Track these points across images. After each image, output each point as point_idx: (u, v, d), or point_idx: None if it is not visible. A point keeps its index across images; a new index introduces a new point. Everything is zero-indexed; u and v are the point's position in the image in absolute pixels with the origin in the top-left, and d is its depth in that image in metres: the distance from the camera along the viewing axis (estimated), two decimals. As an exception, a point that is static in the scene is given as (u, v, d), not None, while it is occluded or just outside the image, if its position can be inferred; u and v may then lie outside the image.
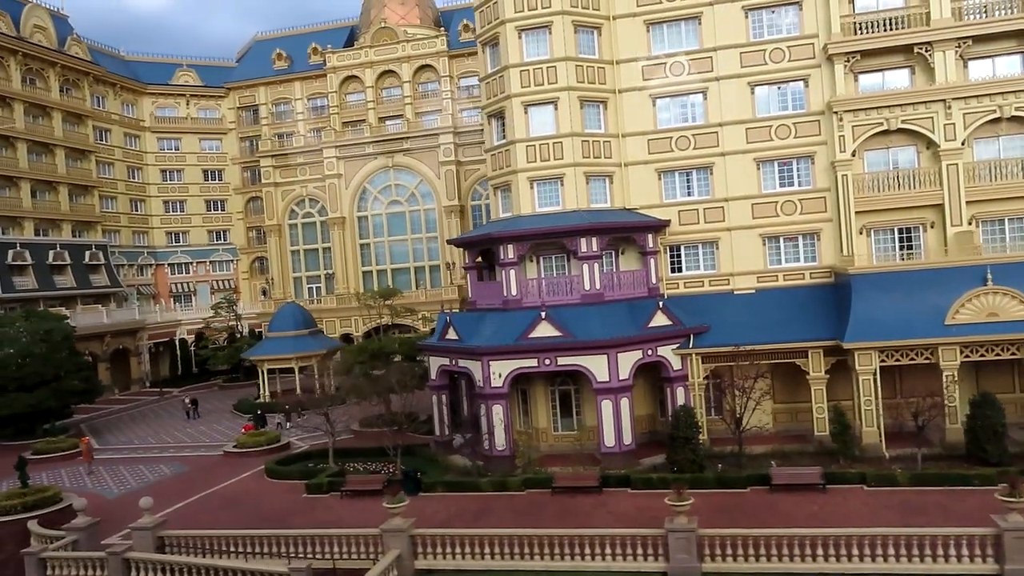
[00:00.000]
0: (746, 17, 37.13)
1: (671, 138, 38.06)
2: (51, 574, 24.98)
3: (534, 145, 37.18)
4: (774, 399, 35.87)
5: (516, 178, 37.44)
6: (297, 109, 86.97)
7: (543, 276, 37.20)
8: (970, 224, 34.65)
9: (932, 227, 35.43)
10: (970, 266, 32.04)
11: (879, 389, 32.55)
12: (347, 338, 72.41)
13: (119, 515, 32.20)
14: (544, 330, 34.10)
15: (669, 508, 23.24)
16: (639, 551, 23.06)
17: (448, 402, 39.55)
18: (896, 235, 36.12)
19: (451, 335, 37.09)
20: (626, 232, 36.80)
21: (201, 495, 35.54)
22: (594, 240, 35.66)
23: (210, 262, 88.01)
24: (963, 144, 34.56)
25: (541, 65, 37.02)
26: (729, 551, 22.49)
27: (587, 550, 23.33)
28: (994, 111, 34.24)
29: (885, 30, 35.34)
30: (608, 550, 23.21)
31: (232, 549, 25.91)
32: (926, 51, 34.78)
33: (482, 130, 78.54)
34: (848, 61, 35.57)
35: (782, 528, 23.14)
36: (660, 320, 35.01)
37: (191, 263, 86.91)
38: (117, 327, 70.63)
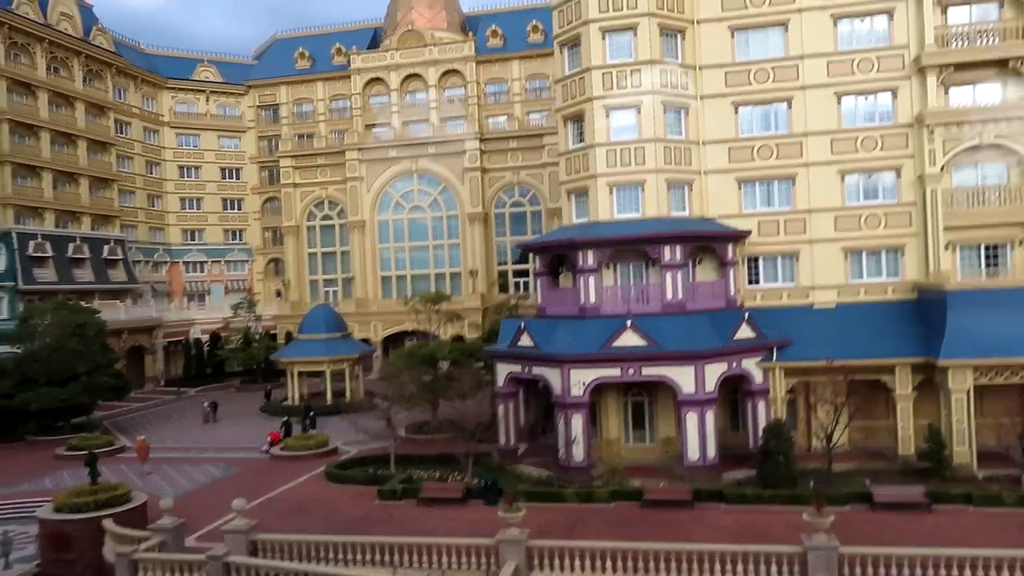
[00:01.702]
0: (834, 25, 36.64)
1: (753, 147, 37.40)
2: (142, 578, 23.50)
3: (615, 149, 36.36)
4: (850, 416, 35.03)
5: (595, 183, 36.54)
6: (319, 110, 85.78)
7: (619, 284, 36.29)
8: (1060, 244, 34.25)
9: (1020, 244, 34.97)
10: (1068, 286, 31.56)
11: (972, 408, 31.90)
12: (366, 342, 70.92)
13: (182, 517, 30.65)
14: (629, 339, 33.14)
15: (806, 524, 22.26)
16: (774, 568, 22.06)
17: (515, 411, 38.41)
18: (982, 252, 35.65)
19: (524, 342, 36.00)
20: (708, 241, 36.02)
21: (264, 498, 34.08)
22: (678, 249, 34.83)
23: (225, 262, 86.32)
24: (1056, 162, 34.24)
25: (624, 68, 36.26)
26: (869, 570, 21.55)
27: (718, 566, 22.26)
28: (1088, 130, 33.97)
29: (977, 43, 34.96)
30: (741, 566, 22.17)
31: (330, 556, 24.59)
32: (1021, 65, 34.43)
33: (508, 138, 78.92)
34: (941, 74, 35.14)
35: (923, 547, 22.18)
36: (745, 332, 34.19)
37: (206, 262, 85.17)
38: (135, 324, 68.87)
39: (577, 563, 23.18)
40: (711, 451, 33.06)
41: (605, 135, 36.47)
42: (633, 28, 36.15)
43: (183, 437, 49.74)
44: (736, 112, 37.58)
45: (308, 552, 24.87)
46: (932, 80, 35.16)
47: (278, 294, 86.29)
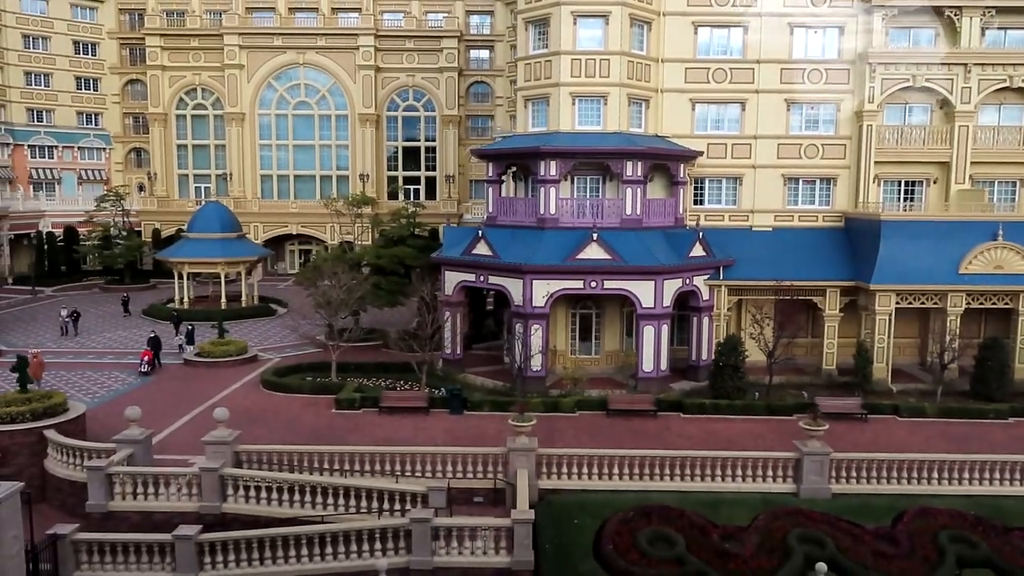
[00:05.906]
0: (791, -41, 37.32)
1: (709, 69, 37.81)
2: (120, 491, 21.36)
3: (580, 59, 35.47)
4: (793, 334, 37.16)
5: (558, 91, 35.64)
6: (193, -15, 77.17)
7: (575, 197, 36.14)
8: (974, 183, 37.67)
9: (935, 182, 38.17)
10: (981, 221, 34.86)
11: (892, 329, 35.07)
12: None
13: (111, 428, 27.72)
14: (592, 252, 33.27)
15: (802, 431, 23.86)
16: (770, 473, 23.56)
17: (462, 320, 37.85)
18: (901, 187, 38.60)
19: (481, 250, 35.20)
20: (667, 159, 36.42)
21: (204, 407, 31.85)
22: (639, 164, 34.99)
23: (78, 148, 77.24)
24: (975, 107, 37.21)
25: (595, -26, 35.15)
26: (854, 473, 23.53)
27: (718, 471, 23.48)
28: (1005, 80, 37.05)
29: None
30: (740, 472, 23.50)
31: (324, 466, 23.49)
32: (954, 15, 36.79)
33: (405, 37, 75.09)
34: (886, 16, 36.87)
35: (898, 454, 24.33)
36: (698, 251, 35.29)
37: (56, 147, 75.73)
38: (-24, 212, 60.70)
39: (584, 470, 23.65)
40: (663, 363, 34.36)
41: (571, 43, 35.43)
42: (605, -67, 34.94)
43: (70, 341, 45.14)
44: (696, 32, 37.68)
45: (301, 463, 23.62)
46: (878, 19, 36.85)
47: (141, 188, 78.80)
